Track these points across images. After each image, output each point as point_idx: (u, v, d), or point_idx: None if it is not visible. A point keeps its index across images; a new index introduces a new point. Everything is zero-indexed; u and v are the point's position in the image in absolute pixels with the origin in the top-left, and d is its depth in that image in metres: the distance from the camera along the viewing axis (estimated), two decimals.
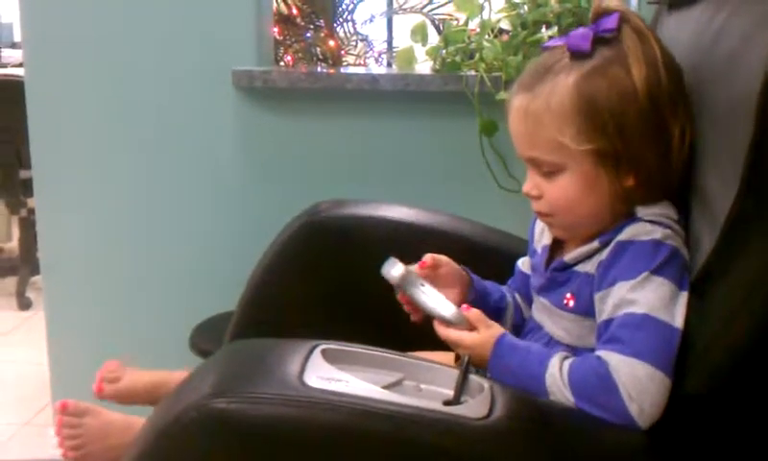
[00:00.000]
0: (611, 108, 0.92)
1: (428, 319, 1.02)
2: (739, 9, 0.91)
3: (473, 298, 1.13)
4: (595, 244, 0.97)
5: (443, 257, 1.12)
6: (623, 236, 0.93)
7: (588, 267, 0.98)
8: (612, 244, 0.94)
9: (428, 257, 1.11)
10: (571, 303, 1.00)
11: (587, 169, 0.95)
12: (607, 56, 0.94)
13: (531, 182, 1.00)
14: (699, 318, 0.87)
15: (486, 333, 0.97)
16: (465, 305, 1.01)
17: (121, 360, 1.38)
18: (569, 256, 1.01)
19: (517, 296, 1.20)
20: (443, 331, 0.99)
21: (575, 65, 0.95)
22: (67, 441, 1.21)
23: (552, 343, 1.03)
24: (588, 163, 0.94)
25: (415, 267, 1.09)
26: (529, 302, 1.17)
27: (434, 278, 1.09)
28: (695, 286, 0.90)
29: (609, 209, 0.97)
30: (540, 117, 0.95)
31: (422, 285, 1.02)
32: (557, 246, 1.07)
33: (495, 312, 1.14)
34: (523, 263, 1.20)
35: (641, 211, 0.95)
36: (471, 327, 0.98)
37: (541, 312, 1.07)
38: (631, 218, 0.95)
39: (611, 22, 0.95)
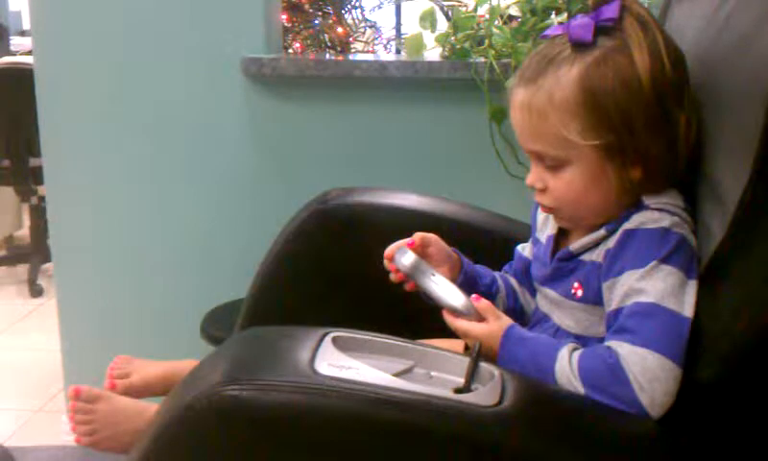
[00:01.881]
0: (615, 100, 0.91)
1: (438, 308, 1.02)
2: None
3: (462, 280, 1.13)
4: (602, 232, 0.97)
5: (431, 236, 1.12)
6: (630, 224, 0.92)
7: (595, 255, 0.97)
8: (619, 232, 0.93)
9: (417, 236, 1.10)
10: (579, 293, 0.99)
11: (592, 163, 0.94)
12: (609, 46, 0.93)
13: (535, 175, 0.99)
14: (710, 306, 0.87)
15: (495, 324, 0.97)
16: (474, 295, 1.01)
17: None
18: (575, 246, 1.00)
19: (513, 280, 1.19)
20: (451, 321, 0.99)
21: (577, 57, 0.93)
22: (80, 426, 1.22)
23: (560, 333, 1.03)
24: (594, 157, 0.93)
25: (402, 243, 1.09)
26: (528, 287, 1.17)
27: (422, 256, 1.09)
28: (706, 274, 0.89)
29: (615, 201, 0.96)
30: (544, 112, 0.94)
31: (433, 275, 1.02)
32: (561, 235, 1.07)
33: (485, 296, 1.13)
34: (524, 248, 1.19)
35: (648, 200, 0.94)
36: (480, 318, 0.98)
37: (548, 303, 1.06)
38: (638, 206, 0.94)
39: (611, 11, 0.93)
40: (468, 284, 1.13)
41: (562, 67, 0.93)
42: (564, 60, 0.93)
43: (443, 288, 1.01)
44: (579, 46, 0.93)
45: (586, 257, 0.99)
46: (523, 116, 0.96)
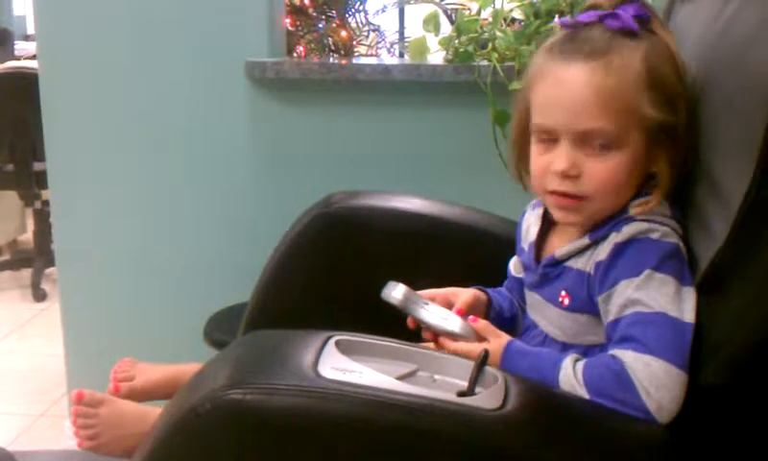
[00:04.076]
0: (671, 83, 0.94)
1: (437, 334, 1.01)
2: None
3: (494, 315, 1.13)
4: (585, 240, 0.97)
5: (460, 291, 1.11)
6: (621, 237, 0.93)
7: (581, 264, 0.98)
8: (611, 246, 0.93)
9: (463, 305, 1.08)
10: (567, 301, 1.00)
11: (639, 149, 0.94)
12: (652, 38, 0.95)
13: (569, 161, 0.94)
14: (714, 310, 0.87)
15: (495, 342, 0.98)
16: (471, 317, 1.01)
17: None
18: (560, 253, 1.01)
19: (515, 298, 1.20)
20: (451, 346, 0.99)
21: (631, 42, 0.94)
22: (82, 430, 1.22)
23: (548, 341, 1.03)
24: (644, 140, 0.93)
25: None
26: (524, 301, 1.17)
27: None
28: (707, 278, 0.89)
29: (628, 196, 0.96)
30: (619, 86, 0.91)
31: (426, 304, 1.02)
32: (542, 241, 1.07)
33: (510, 320, 1.14)
34: (514, 266, 1.19)
35: (634, 210, 0.94)
36: (480, 338, 0.98)
37: (536, 310, 1.07)
38: (624, 218, 0.94)
39: (640, 9, 0.96)
40: (498, 317, 1.13)
41: (624, 48, 0.94)
42: (623, 43, 0.94)
43: (438, 315, 1.01)
44: (626, 33, 0.95)
45: (571, 264, 0.99)
46: (585, 92, 0.92)
